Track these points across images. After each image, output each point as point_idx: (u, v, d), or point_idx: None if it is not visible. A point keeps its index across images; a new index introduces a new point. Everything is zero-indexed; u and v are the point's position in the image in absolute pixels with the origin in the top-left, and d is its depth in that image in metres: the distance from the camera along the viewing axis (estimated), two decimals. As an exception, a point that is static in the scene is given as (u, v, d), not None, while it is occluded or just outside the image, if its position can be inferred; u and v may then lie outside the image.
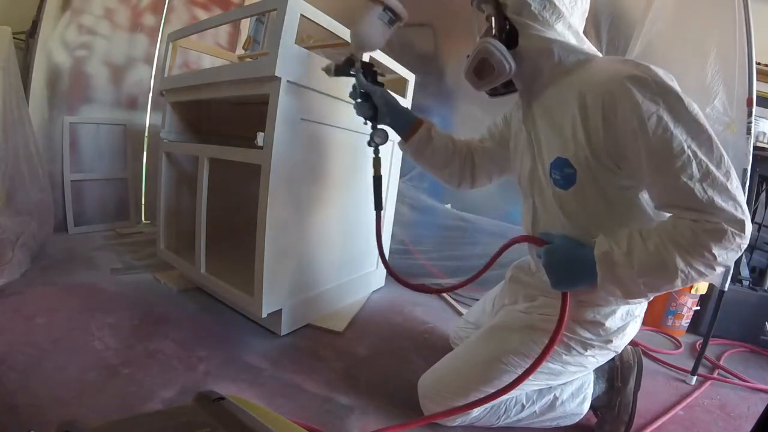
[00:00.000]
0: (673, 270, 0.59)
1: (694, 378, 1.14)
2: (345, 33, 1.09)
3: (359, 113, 0.95)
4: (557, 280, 0.71)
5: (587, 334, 0.76)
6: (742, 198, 0.59)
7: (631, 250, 0.62)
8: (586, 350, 0.76)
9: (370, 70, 0.91)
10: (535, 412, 0.81)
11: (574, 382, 0.83)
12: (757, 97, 1.06)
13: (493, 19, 0.71)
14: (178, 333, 1.05)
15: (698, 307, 1.50)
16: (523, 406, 0.81)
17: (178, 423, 0.46)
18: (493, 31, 0.71)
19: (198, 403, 0.50)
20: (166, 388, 0.83)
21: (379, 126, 0.95)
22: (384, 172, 1.41)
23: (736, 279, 1.55)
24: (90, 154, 1.91)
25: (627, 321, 0.77)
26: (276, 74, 0.90)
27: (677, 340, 1.45)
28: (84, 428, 0.43)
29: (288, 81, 0.93)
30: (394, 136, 1.27)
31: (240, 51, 2.26)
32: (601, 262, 0.64)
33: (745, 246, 0.59)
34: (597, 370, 0.86)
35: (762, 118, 1.47)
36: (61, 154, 1.79)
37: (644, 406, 0.96)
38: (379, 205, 0.99)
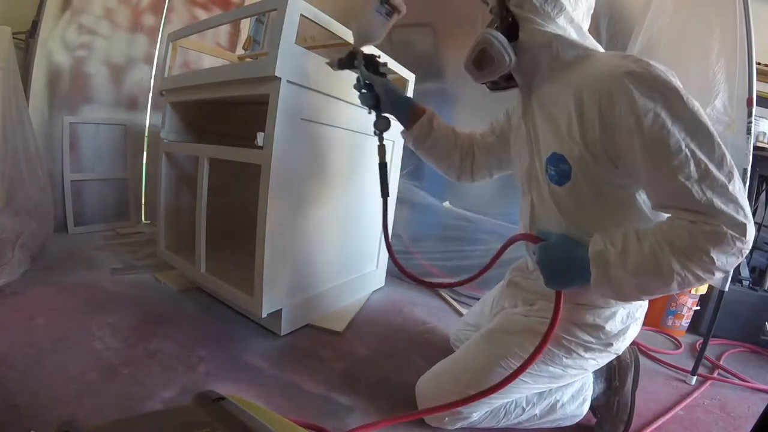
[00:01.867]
0: (668, 273, 0.57)
1: (694, 378, 1.14)
2: (345, 33, 1.09)
3: (363, 103, 0.97)
4: (550, 277, 0.70)
5: (587, 337, 0.75)
6: (745, 201, 0.56)
7: (626, 250, 0.60)
8: (587, 353, 0.76)
9: (373, 62, 0.92)
10: (535, 414, 0.81)
11: (574, 384, 0.83)
12: (757, 97, 1.06)
13: (495, 10, 0.72)
14: (178, 333, 1.05)
15: (698, 307, 1.50)
16: (523, 409, 0.81)
17: (178, 423, 0.46)
18: (495, 23, 0.71)
19: (198, 403, 0.50)
20: (166, 388, 0.83)
21: (383, 114, 0.96)
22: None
23: (736, 279, 1.55)
24: (90, 154, 1.91)
25: (627, 324, 0.76)
26: (276, 74, 0.90)
27: (677, 340, 1.45)
28: (84, 428, 0.43)
29: (288, 81, 0.93)
30: (393, 136, 1.27)
31: (240, 51, 2.26)
32: (595, 261, 0.63)
33: (747, 251, 0.56)
34: (595, 371, 0.86)
35: (762, 118, 1.47)
36: (61, 154, 1.79)
37: (644, 406, 0.96)
38: (385, 192, 0.99)
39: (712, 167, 0.55)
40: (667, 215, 0.62)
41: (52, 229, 1.61)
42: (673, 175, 0.56)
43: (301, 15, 0.93)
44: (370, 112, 0.97)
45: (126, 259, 1.56)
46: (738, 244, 0.55)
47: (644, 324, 1.55)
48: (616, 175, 0.65)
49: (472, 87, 0.82)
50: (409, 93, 1.43)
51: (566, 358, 0.76)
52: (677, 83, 0.58)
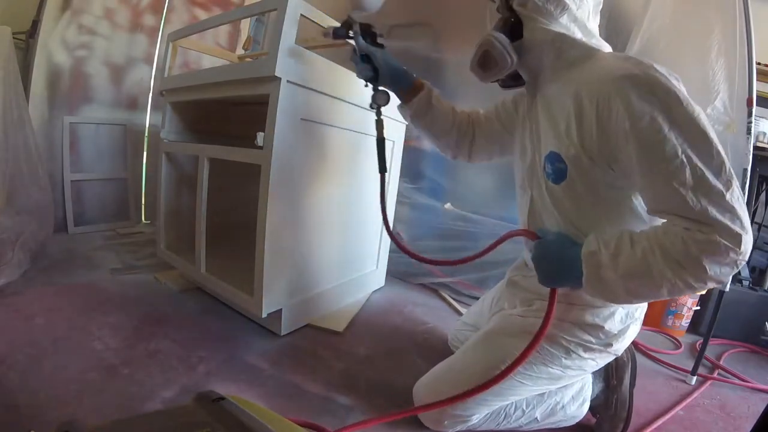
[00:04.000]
0: (658, 279, 0.56)
1: (694, 378, 1.14)
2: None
3: (359, 75, 0.93)
4: (544, 275, 0.71)
5: (587, 337, 0.75)
6: (743, 210, 0.54)
7: (619, 252, 0.60)
8: (586, 353, 0.76)
9: (369, 32, 0.89)
10: (536, 418, 0.81)
11: (574, 385, 0.83)
12: (757, 97, 1.06)
13: (500, 9, 0.72)
14: (178, 333, 1.05)
15: (698, 307, 1.50)
16: (523, 412, 0.80)
17: (178, 423, 0.46)
18: (501, 23, 0.72)
19: (198, 403, 0.50)
20: (166, 388, 0.83)
21: (380, 88, 0.93)
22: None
23: (736, 279, 1.55)
24: (90, 154, 1.91)
25: (627, 324, 0.76)
26: (276, 74, 0.90)
27: (677, 340, 1.45)
28: (84, 428, 0.43)
29: (288, 81, 0.93)
30: (393, 137, 1.27)
31: (240, 51, 2.26)
32: (587, 261, 0.63)
33: (743, 262, 0.54)
34: (594, 373, 0.86)
35: (762, 118, 1.47)
36: (61, 154, 1.79)
37: (644, 406, 0.96)
38: (383, 168, 0.97)
39: (708, 174, 0.54)
40: (662, 220, 0.61)
41: (52, 229, 1.61)
42: (668, 181, 0.55)
43: (301, 15, 0.93)
44: (366, 86, 0.94)
45: (126, 259, 1.56)
46: (732, 255, 0.53)
47: (644, 324, 1.55)
48: (613, 177, 0.64)
49: (472, 86, 0.83)
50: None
51: (565, 358, 0.75)
52: (679, 87, 0.56)
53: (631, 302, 0.64)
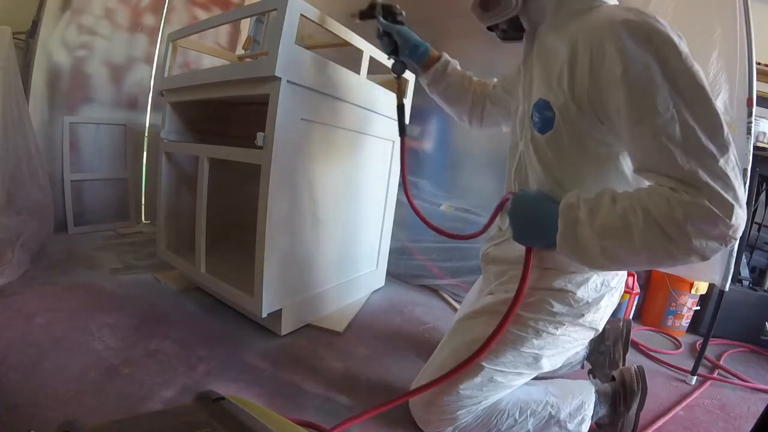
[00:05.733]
0: (638, 242, 0.52)
1: (694, 378, 1.14)
2: (345, 33, 1.09)
3: (382, 50, 1.04)
4: (520, 228, 0.68)
5: (557, 307, 0.72)
6: (738, 183, 0.50)
7: (598, 209, 0.56)
8: (558, 329, 0.73)
9: (391, 11, 0.99)
10: (528, 430, 0.77)
11: (572, 401, 0.79)
12: (757, 97, 1.06)
13: None
14: (178, 333, 1.05)
15: (698, 307, 1.50)
16: (515, 420, 0.76)
17: (178, 423, 0.46)
18: None
19: (198, 403, 0.50)
20: (166, 388, 0.83)
21: (400, 58, 1.02)
22: (384, 172, 1.42)
23: (736, 279, 1.55)
24: (90, 154, 1.91)
25: (602, 293, 0.73)
26: (276, 74, 0.90)
27: (677, 340, 1.45)
28: (84, 428, 0.43)
29: (288, 81, 0.93)
30: (393, 136, 1.27)
31: (240, 51, 2.26)
32: (564, 215, 0.59)
33: (733, 239, 0.50)
34: (600, 394, 0.83)
35: (762, 118, 1.47)
36: (61, 154, 1.79)
37: (644, 406, 0.96)
38: (402, 131, 1.05)
39: (701, 134, 0.50)
40: (649, 183, 0.57)
41: (52, 229, 1.61)
42: (656, 135, 0.51)
43: (301, 15, 0.93)
44: (389, 58, 1.04)
45: (126, 259, 1.56)
46: (721, 226, 0.48)
47: (644, 324, 1.57)
48: (600, 131, 0.61)
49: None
50: (409, 93, 1.43)
51: (536, 339, 0.73)
52: (680, 42, 0.52)
53: (607, 267, 0.60)
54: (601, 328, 0.79)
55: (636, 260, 0.55)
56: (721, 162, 0.49)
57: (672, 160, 0.50)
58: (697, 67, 0.52)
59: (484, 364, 0.74)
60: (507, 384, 0.76)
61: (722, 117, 0.51)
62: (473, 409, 0.76)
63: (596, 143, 0.63)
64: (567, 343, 0.76)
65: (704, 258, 0.51)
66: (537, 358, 0.75)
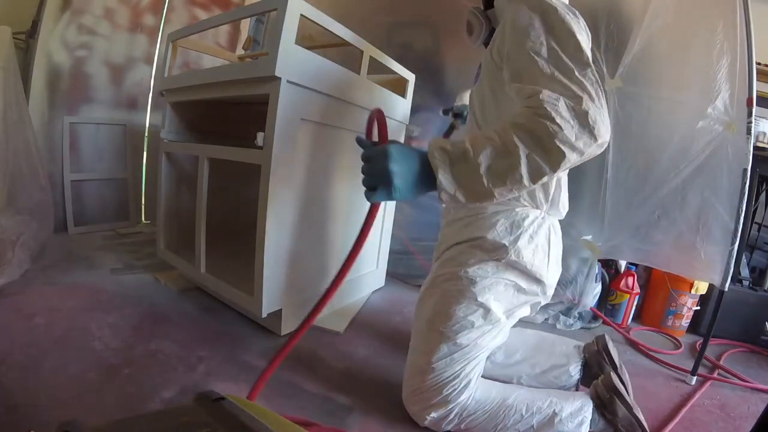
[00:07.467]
0: (513, 148, 0.55)
1: (694, 378, 1.14)
2: (345, 33, 1.09)
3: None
4: (404, 180, 0.63)
5: (476, 253, 0.79)
6: (593, 89, 0.57)
7: (471, 140, 0.58)
8: (489, 273, 0.78)
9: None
10: (532, 426, 0.79)
11: (573, 401, 0.81)
12: (757, 97, 1.06)
13: None
14: (178, 333, 1.05)
15: (698, 307, 1.50)
16: (522, 416, 0.79)
17: (178, 423, 0.46)
18: None
19: (198, 403, 0.50)
20: (166, 388, 0.83)
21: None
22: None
23: (736, 279, 1.55)
24: (90, 154, 1.91)
25: (516, 234, 0.78)
26: (276, 74, 0.90)
27: (677, 340, 1.45)
28: (84, 428, 0.42)
29: (288, 81, 0.93)
30: (393, 135, 1.28)
31: (240, 51, 2.26)
32: (433, 147, 0.59)
33: (594, 133, 0.55)
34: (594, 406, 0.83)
35: (762, 118, 1.47)
36: (61, 154, 1.79)
37: (644, 406, 0.96)
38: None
39: (562, 54, 0.60)
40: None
41: (52, 229, 1.61)
42: (527, 51, 0.62)
43: (301, 15, 0.93)
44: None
45: (126, 259, 1.56)
46: (580, 118, 0.55)
47: (644, 324, 1.57)
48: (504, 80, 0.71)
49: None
50: (409, 93, 1.43)
51: (472, 287, 0.78)
52: (566, 12, 0.64)
53: (493, 191, 0.58)
54: (544, 278, 0.82)
55: (516, 173, 0.57)
56: (578, 73, 0.59)
57: (536, 68, 0.61)
58: (576, 28, 0.63)
59: (440, 328, 0.79)
60: (475, 346, 0.79)
61: (588, 54, 0.62)
62: (458, 385, 0.78)
63: (503, 91, 0.72)
64: (510, 288, 0.80)
65: (576, 151, 0.56)
66: (486, 308, 0.79)
